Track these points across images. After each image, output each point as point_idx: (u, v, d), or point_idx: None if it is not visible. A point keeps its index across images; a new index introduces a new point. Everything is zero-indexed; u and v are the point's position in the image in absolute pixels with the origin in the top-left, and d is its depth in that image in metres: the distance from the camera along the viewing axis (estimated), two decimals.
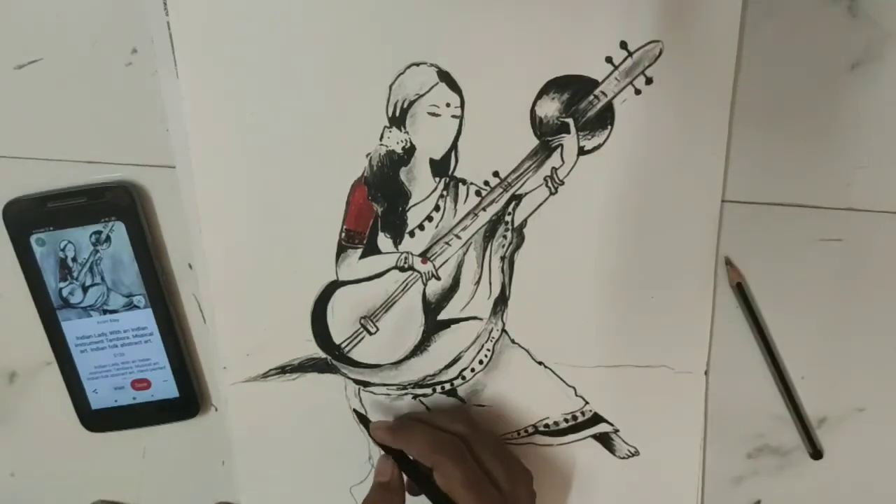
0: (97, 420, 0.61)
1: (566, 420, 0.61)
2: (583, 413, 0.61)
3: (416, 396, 0.60)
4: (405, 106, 0.54)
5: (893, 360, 0.61)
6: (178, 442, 0.62)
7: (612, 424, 0.61)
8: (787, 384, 0.60)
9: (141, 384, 0.60)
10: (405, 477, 0.56)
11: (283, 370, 0.59)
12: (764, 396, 0.61)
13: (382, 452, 0.57)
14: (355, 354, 0.59)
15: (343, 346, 0.59)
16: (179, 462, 0.63)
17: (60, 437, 0.62)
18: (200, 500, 0.64)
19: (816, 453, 0.62)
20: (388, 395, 0.60)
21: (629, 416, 0.61)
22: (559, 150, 0.55)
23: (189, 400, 0.60)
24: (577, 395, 0.60)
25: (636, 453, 0.62)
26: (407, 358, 0.59)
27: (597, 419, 0.61)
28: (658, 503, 0.64)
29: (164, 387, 0.60)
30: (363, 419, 0.61)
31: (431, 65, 0.54)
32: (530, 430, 0.61)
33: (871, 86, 0.55)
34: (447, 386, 0.60)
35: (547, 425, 0.61)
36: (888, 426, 0.62)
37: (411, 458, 0.56)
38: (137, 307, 0.58)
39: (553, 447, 0.62)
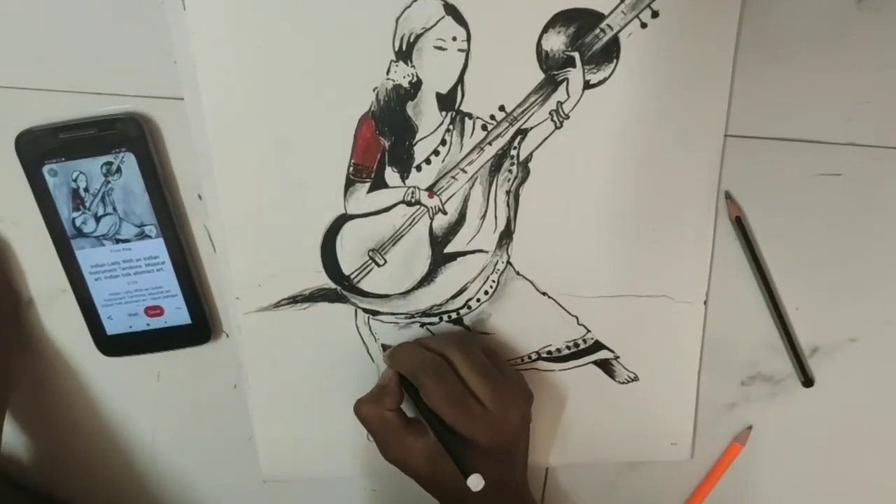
0: (112, 345, 0.62)
1: (568, 347, 0.63)
2: (584, 341, 0.62)
3: (423, 325, 0.62)
4: (412, 40, 0.54)
5: (886, 292, 0.62)
6: (192, 366, 0.64)
7: (612, 351, 0.63)
8: (782, 315, 0.62)
9: (154, 311, 0.61)
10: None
11: (294, 300, 0.60)
12: (759, 326, 0.63)
13: None
14: (364, 285, 0.60)
15: (352, 277, 0.60)
16: (193, 385, 0.64)
17: (77, 362, 0.64)
18: (213, 421, 0.66)
19: (808, 381, 0.63)
20: (397, 323, 0.62)
21: (629, 343, 0.63)
22: (565, 83, 0.55)
23: (201, 326, 0.62)
24: (579, 324, 0.62)
25: (635, 379, 0.64)
26: (414, 288, 0.60)
27: (598, 346, 0.63)
28: (655, 426, 0.66)
29: (177, 314, 0.61)
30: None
31: None
32: (533, 356, 0.63)
33: (878, 21, 0.55)
34: (453, 315, 0.61)
35: (549, 352, 0.63)
36: (878, 356, 0.64)
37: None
38: (149, 237, 0.58)
39: (555, 372, 0.64)
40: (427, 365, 0.56)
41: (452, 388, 0.55)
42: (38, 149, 0.56)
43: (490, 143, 0.57)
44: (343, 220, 0.58)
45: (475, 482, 0.52)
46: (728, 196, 0.59)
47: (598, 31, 0.54)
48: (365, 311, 0.61)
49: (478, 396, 0.56)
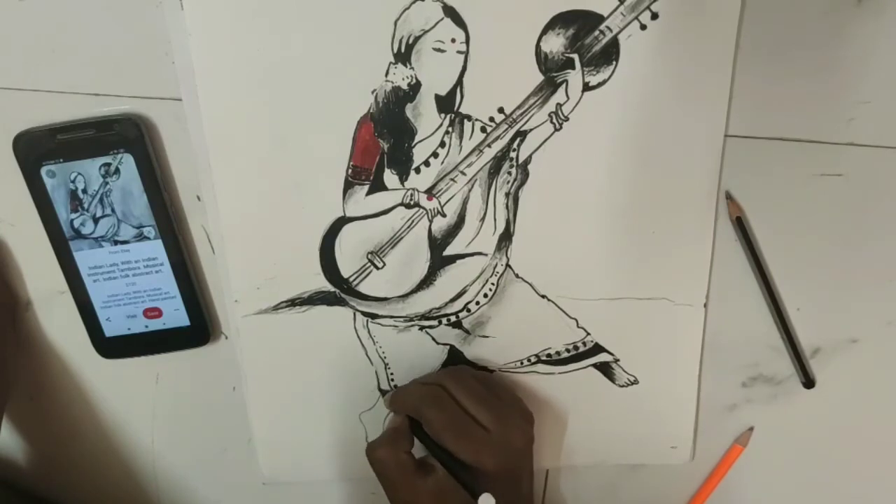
0: (111, 347, 0.62)
1: (568, 350, 0.62)
2: (584, 343, 0.62)
3: (422, 328, 0.62)
4: (410, 42, 0.54)
5: (888, 293, 0.62)
6: (190, 368, 0.64)
7: (612, 354, 0.63)
8: (783, 316, 0.62)
9: (153, 313, 0.61)
10: None
11: (293, 303, 0.60)
12: (760, 327, 0.63)
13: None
14: (363, 288, 0.60)
15: (351, 279, 0.60)
16: (192, 388, 0.64)
17: (76, 364, 0.63)
18: (212, 423, 0.66)
19: (809, 382, 0.63)
20: (396, 326, 0.61)
21: (629, 346, 0.63)
22: (564, 85, 0.55)
23: (200, 328, 0.62)
24: (578, 327, 0.62)
25: (635, 382, 0.64)
26: (413, 291, 0.60)
27: (598, 349, 0.62)
28: (655, 429, 0.66)
29: (176, 315, 0.61)
30: None
31: (436, 0, 0.53)
32: (533, 359, 0.63)
33: (878, 20, 0.55)
34: (452, 318, 0.61)
35: (549, 355, 0.63)
36: (880, 357, 0.63)
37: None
38: (148, 238, 0.58)
39: (555, 376, 0.63)
40: (426, 396, 0.57)
41: (453, 415, 0.56)
42: (37, 150, 0.56)
43: (489, 146, 0.57)
44: (342, 222, 0.58)
45: (486, 501, 0.52)
46: (728, 196, 0.59)
47: (597, 32, 0.54)
48: (364, 314, 0.61)
49: (479, 421, 0.56)
